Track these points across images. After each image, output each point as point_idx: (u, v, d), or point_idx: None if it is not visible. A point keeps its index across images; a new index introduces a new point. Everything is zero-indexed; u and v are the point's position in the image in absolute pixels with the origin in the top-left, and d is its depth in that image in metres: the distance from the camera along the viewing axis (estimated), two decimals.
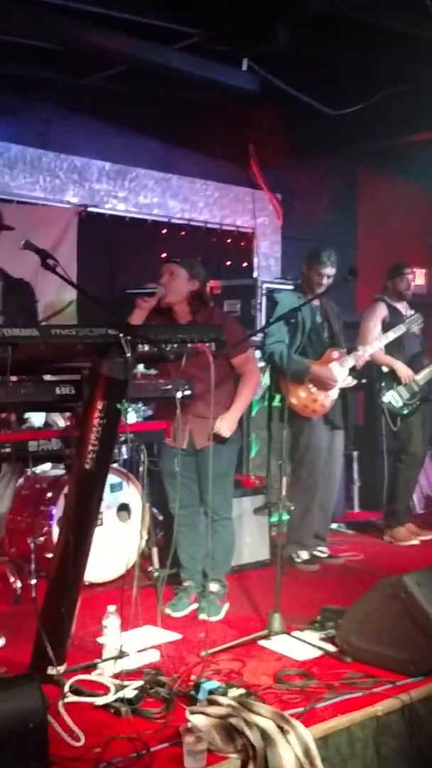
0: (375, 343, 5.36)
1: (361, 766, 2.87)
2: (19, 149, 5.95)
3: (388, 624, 3.28)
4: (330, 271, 4.85)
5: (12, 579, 4.21)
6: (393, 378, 5.54)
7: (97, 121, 6.30)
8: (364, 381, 5.66)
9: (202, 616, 3.93)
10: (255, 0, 4.67)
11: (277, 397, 5.40)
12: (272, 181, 7.32)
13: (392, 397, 5.54)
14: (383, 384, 5.55)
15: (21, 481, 4.56)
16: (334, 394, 4.95)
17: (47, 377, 3.22)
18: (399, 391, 5.55)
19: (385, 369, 5.55)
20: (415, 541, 5.66)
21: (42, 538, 4.22)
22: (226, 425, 4.00)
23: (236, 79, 5.39)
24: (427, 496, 6.88)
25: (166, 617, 3.86)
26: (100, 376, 2.91)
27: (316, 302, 4.96)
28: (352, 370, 5.05)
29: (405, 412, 5.57)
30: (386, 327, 5.52)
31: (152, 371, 4.15)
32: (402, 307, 5.72)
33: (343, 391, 5.05)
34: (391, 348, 5.50)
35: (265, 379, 5.75)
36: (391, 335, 5.42)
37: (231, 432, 4.03)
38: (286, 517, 4.84)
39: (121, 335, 2.81)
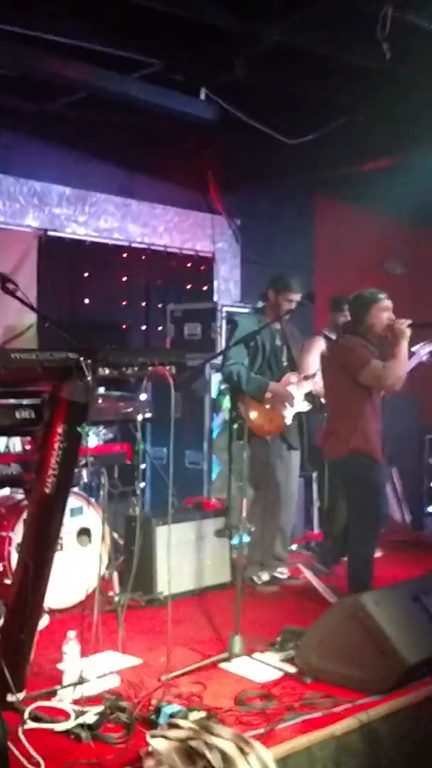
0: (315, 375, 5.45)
1: None
2: None
3: (346, 643, 3.31)
4: (298, 297, 4.95)
5: None
6: None
7: (57, 146, 6.33)
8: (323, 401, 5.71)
9: None
10: (213, 31, 4.74)
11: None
12: (231, 206, 7.41)
13: None
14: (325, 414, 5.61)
15: None
16: (289, 416, 5.00)
17: (6, 401, 3.21)
18: None
19: (324, 400, 5.60)
20: None
21: (0, 565, 4.17)
22: None
23: (194, 107, 5.47)
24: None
25: (126, 642, 3.84)
26: (60, 400, 2.92)
27: (277, 325, 5.03)
28: (308, 395, 5.12)
29: None
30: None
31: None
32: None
33: (299, 415, 5.11)
34: None
35: (225, 402, 5.77)
36: None
37: None
38: (246, 539, 4.85)
39: (82, 359, 2.83)
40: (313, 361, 5.58)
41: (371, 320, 4.35)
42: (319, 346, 5.67)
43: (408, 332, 4.24)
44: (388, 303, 4.40)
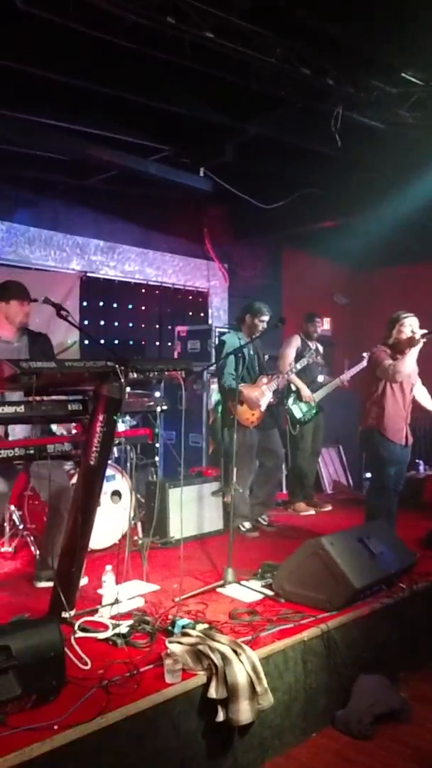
0: (291, 371, 5.46)
1: (293, 677, 2.89)
2: (36, 231, 5.92)
3: (310, 573, 3.30)
4: (268, 317, 4.93)
5: (33, 548, 4.13)
6: (298, 395, 5.61)
7: (94, 211, 6.32)
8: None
9: None
10: (210, 126, 4.74)
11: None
12: (221, 254, 7.41)
13: (295, 409, 5.61)
14: (290, 398, 5.62)
15: None
16: (263, 406, 4.98)
17: (62, 397, 3.19)
18: (300, 406, 5.61)
19: (293, 387, 5.61)
20: (312, 512, 5.65)
21: None
22: None
23: (195, 182, 5.47)
24: (335, 480, 6.97)
25: (148, 573, 3.83)
26: (101, 396, 2.90)
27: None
28: (276, 391, 5.12)
29: (302, 421, 5.64)
30: (298, 354, 5.61)
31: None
32: (310, 342, 5.82)
33: (270, 405, 5.08)
34: (300, 372, 5.57)
35: (216, 396, 5.76)
36: (299, 366, 5.51)
37: None
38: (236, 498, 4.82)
39: (117, 366, 2.82)
40: (290, 353, 5.59)
41: (396, 333, 4.21)
42: (296, 342, 5.68)
43: (419, 340, 4.05)
44: (411, 320, 4.20)
